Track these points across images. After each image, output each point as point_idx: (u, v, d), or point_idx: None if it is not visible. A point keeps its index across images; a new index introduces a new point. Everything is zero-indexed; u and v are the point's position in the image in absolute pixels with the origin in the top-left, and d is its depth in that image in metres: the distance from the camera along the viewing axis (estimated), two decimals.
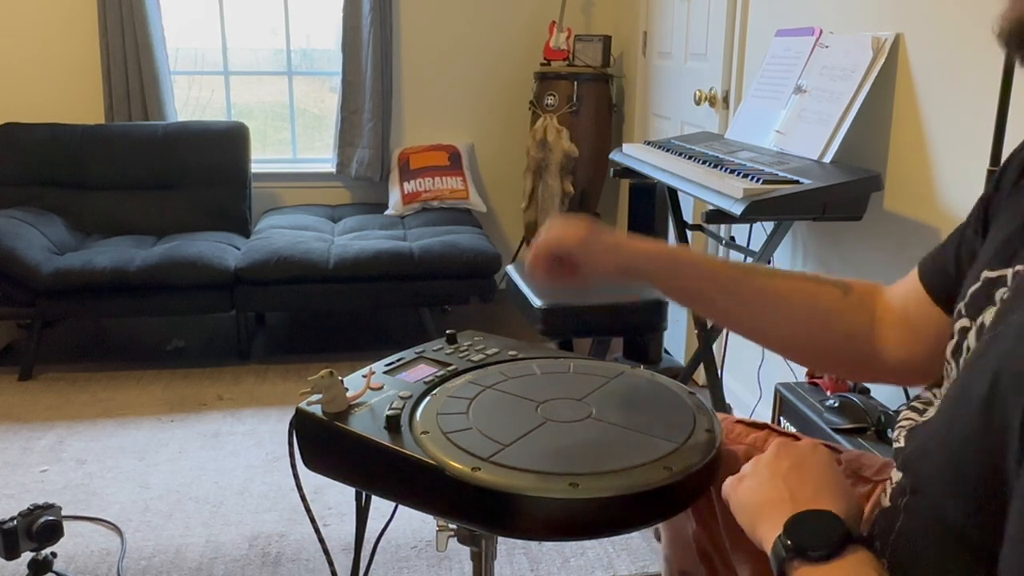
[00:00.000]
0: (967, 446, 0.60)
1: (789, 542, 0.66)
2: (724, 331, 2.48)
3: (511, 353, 1.16)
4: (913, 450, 0.72)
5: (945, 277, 0.85)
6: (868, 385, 1.91)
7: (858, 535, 0.67)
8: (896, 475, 0.75)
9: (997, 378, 0.57)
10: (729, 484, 0.81)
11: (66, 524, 1.85)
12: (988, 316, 0.68)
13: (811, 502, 0.70)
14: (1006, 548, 0.53)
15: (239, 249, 3.28)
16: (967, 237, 0.82)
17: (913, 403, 0.80)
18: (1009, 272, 0.68)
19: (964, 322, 0.71)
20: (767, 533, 0.70)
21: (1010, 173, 0.77)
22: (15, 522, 1.71)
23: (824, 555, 0.65)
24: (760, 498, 0.74)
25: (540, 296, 2.09)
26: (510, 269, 2.41)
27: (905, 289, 0.91)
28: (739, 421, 1.09)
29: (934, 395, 0.80)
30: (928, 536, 0.67)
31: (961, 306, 0.72)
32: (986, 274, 0.70)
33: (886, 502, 0.75)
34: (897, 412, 1.65)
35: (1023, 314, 0.59)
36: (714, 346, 2.42)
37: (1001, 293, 0.67)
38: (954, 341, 0.72)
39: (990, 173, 1.53)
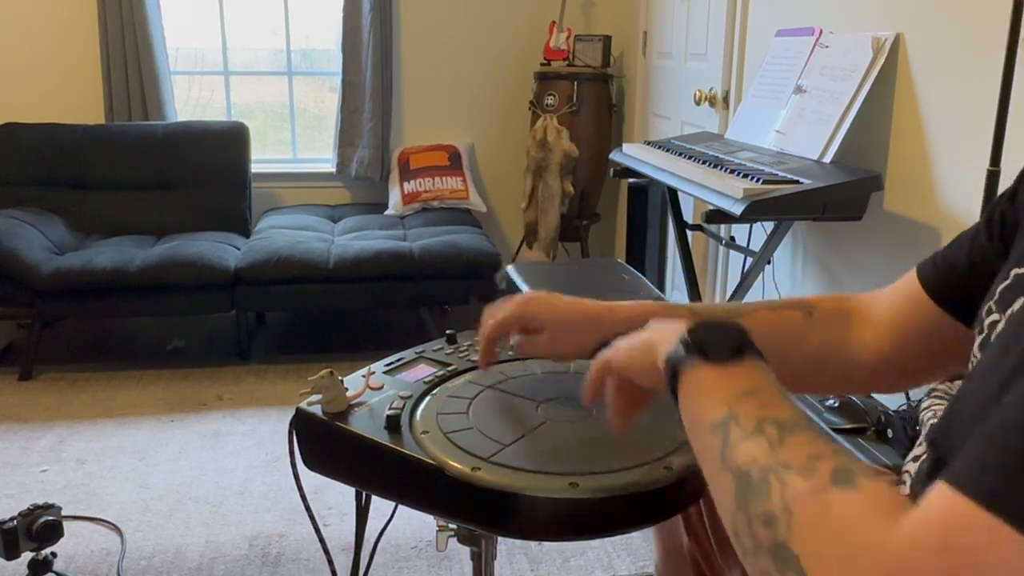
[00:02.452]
0: (994, 403, 0.60)
1: (691, 341, 0.66)
2: None
3: (511, 353, 1.16)
4: (940, 424, 0.72)
5: (950, 275, 0.85)
6: None
7: (756, 347, 0.67)
8: (912, 466, 0.75)
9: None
10: (604, 356, 0.81)
11: (66, 524, 1.85)
12: (1018, 305, 0.68)
13: (708, 319, 0.71)
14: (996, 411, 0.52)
15: (239, 249, 3.28)
16: (980, 240, 0.82)
17: (935, 393, 0.80)
18: None
19: (994, 316, 0.71)
20: (664, 350, 0.70)
21: None
22: (15, 522, 1.71)
23: (724, 354, 0.65)
24: (654, 333, 0.74)
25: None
26: (510, 269, 2.41)
27: (895, 292, 0.91)
28: None
29: (948, 388, 0.80)
30: None
31: (991, 304, 0.73)
32: (1015, 271, 0.71)
33: (905, 490, 0.75)
34: (897, 412, 1.65)
35: None
36: None
37: None
38: (983, 336, 0.73)
39: (990, 173, 1.53)
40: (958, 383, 0.80)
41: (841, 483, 0.51)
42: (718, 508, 0.60)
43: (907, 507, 0.48)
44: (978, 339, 0.74)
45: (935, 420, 0.76)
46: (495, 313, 0.99)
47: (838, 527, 0.49)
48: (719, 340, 0.66)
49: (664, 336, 0.72)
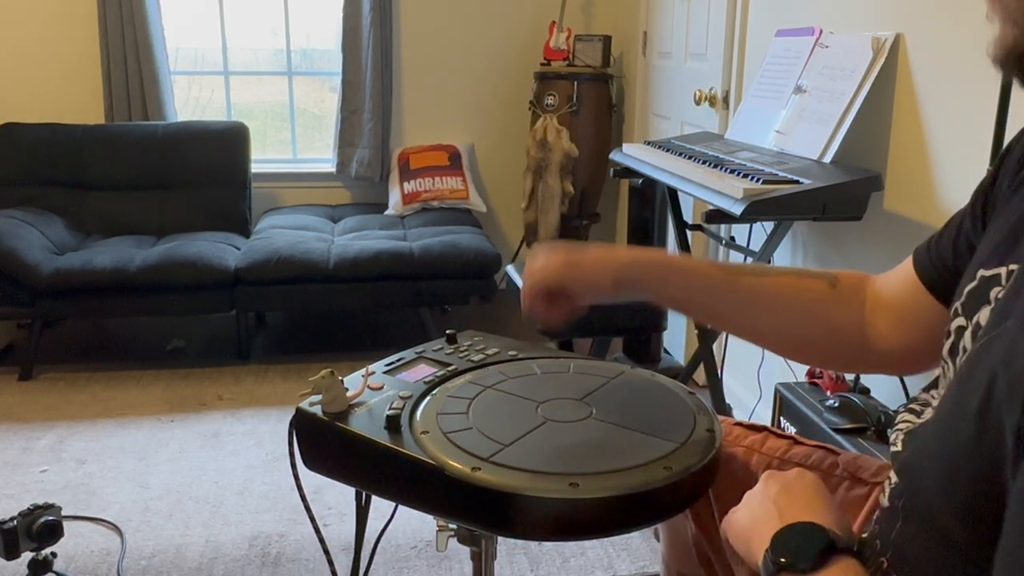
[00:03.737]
0: (961, 455, 0.60)
1: (775, 555, 0.66)
2: (724, 331, 2.48)
3: (511, 353, 1.16)
4: (909, 455, 0.72)
5: (941, 267, 0.85)
6: (868, 384, 1.91)
7: (844, 545, 0.66)
8: (893, 477, 0.75)
9: (991, 388, 0.57)
10: (727, 518, 0.81)
11: (66, 524, 1.85)
12: (983, 315, 0.68)
13: (799, 517, 0.70)
14: (1004, 544, 0.53)
15: (239, 249, 3.28)
16: (965, 228, 0.82)
17: (911, 405, 0.80)
18: (1004, 271, 0.68)
19: (960, 321, 0.71)
20: (759, 551, 0.70)
21: (1009, 164, 0.77)
22: (15, 522, 1.71)
23: (809, 566, 0.65)
24: (751, 522, 0.75)
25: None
26: (510, 269, 2.41)
27: (898, 278, 0.92)
28: (737, 423, 1.09)
29: (932, 396, 0.80)
30: (922, 540, 0.67)
31: (958, 305, 0.72)
32: (982, 272, 0.70)
33: (885, 502, 0.75)
34: (896, 412, 1.65)
35: (1017, 319, 0.59)
36: (714, 346, 2.42)
37: (996, 292, 0.67)
38: (951, 340, 0.72)
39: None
40: (934, 392, 0.80)
41: None
42: None
43: None
44: (946, 343, 0.73)
45: (902, 437, 0.75)
46: (533, 278, 1.02)
47: None
48: (802, 548, 0.66)
49: (758, 536, 0.71)
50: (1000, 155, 0.79)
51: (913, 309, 0.88)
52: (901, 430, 0.76)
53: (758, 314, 0.97)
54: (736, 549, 0.77)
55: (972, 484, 0.59)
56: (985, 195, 0.80)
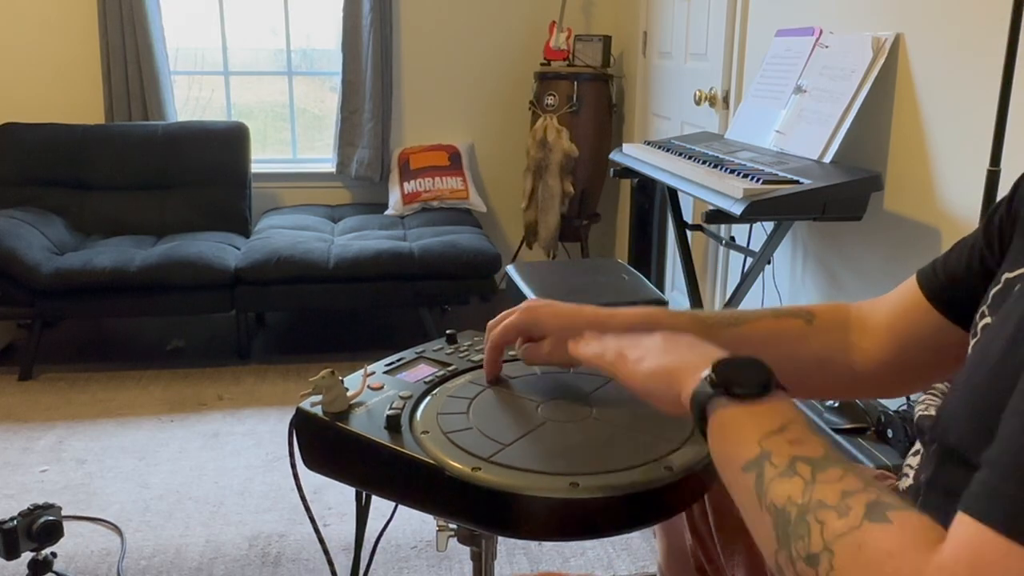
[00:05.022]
0: (988, 388, 0.62)
1: (717, 379, 0.68)
2: None
3: (511, 353, 1.16)
4: (938, 411, 0.73)
5: (947, 279, 0.85)
6: None
7: (780, 383, 0.68)
8: (913, 460, 0.76)
9: (1017, 331, 0.60)
10: (623, 368, 0.80)
11: (66, 524, 1.85)
12: (1010, 301, 0.69)
13: (716, 355, 0.72)
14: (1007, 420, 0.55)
15: (239, 249, 3.28)
16: (977, 249, 0.83)
17: (931, 391, 0.81)
18: None
19: (988, 320, 0.72)
20: (688, 385, 0.71)
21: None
22: (15, 522, 1.71)
23: (751, 392, 0.66)
24: (670, 361, 0.76)
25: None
26: (510, 269, 2.41)
27: (894, 297, 0.92)
28: None
29: (945, 387, 0.81)
30: (947, 509, 0.68)
31: (984, 308, 0.74)
32: (1006, 276, 0.72)
33: (908, 482, 0.76)
34: (897, 412, 1.65)
35: None
36: None
37: (1020, 288, 0.68)
38: (976, 339, 0.73)
39: (990, 173, 1.53)
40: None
41: (875, 518, 0.54)
42: (759, 545, 0.62)
43: (938, 536, 0.52)
44: (972, 342, 0.74)
45: (927, 412, 0.77)
46: (499, 321, 0.99)
47: (876, 563, 0.52)
48: (746, 378, 0.67)
49: (687, 369, 0.72)
50: (1015, 185, 0.79)
51: (910, 323, 0.88)
52: (923, 402, 0.78)
53: None
54: (644, 388, 0.77)
55: (995, 415, 0.59)
56: (1000, 216, 0.80)
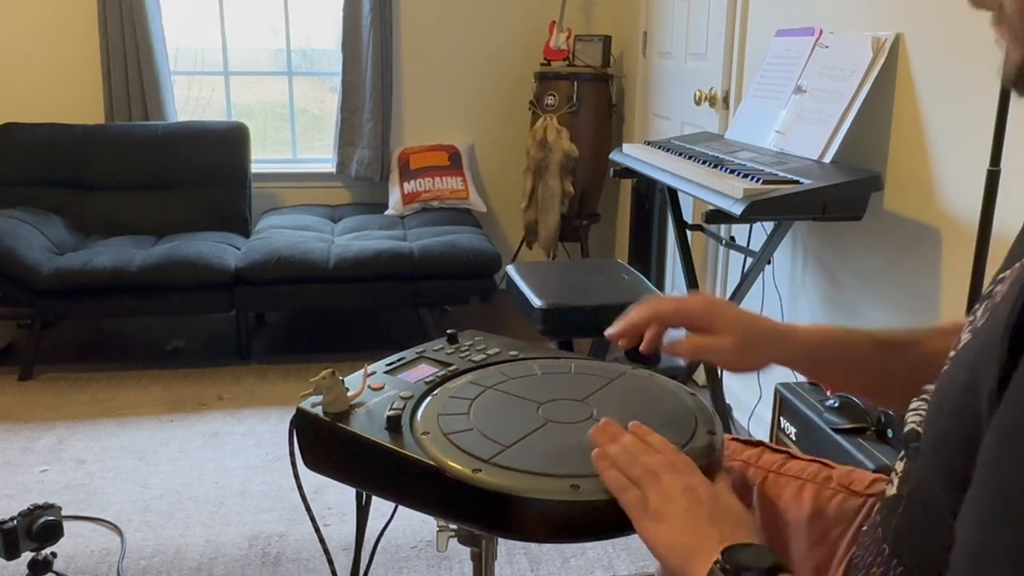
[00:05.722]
0: (948, 425, 0.63)
1: (728, 567, 0.70)
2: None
3: (512, 353, 1.16)
4: (910, 431, 0.74)
5: None
6: None
7: (785, 565, 0.71)
8: (899, 466, 0.76)
9: (976, 360, 0.60)
10: (647, 528, 0.80)
11: (66, 524, 1.85)
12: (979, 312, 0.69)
13: (735, 536, 0.74)
14: (963, 509, 0.55)
15: (239, 249, 3.28)
16: None
17: (924, 395, 0.81)
18: (1009, 273, 0.69)
19: (975, 321, 0.72)
20: (700, 571, 0.73)
21: None
22: (15, 522, 1.71)
23: (759, 573, 0.69)
24: (687, 540, 0.77)
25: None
26: (510, 269, 2.41)
27: None
28: (734, 438, 1.09)
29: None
30: (919, 515, 0.69)
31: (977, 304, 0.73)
32: (997, 278, 0.72)
33: (892, 491, 0.76)
34: (897, 412, 1.65)
35: (1006, 302, 0.60)
36: None
37: (988, 303, 0.69)
38: (957, 347, 0.73)
39: (990, 173, 1.53)
40: None
41: None
42: None
43: None
44: (956, 346, 0.74)
45: (912, 422, 0.77)
46: (662, 301, 0.96)
47: None
48: (754, 563, 0.70)
49: (700, 552, 0.73)
50: None
51: None
52: (917, 411, 0.78)
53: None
54: (664, 559, 0.78)
55: (956, 457, 0.60)
56: None
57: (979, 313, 0.69)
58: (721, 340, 0.94)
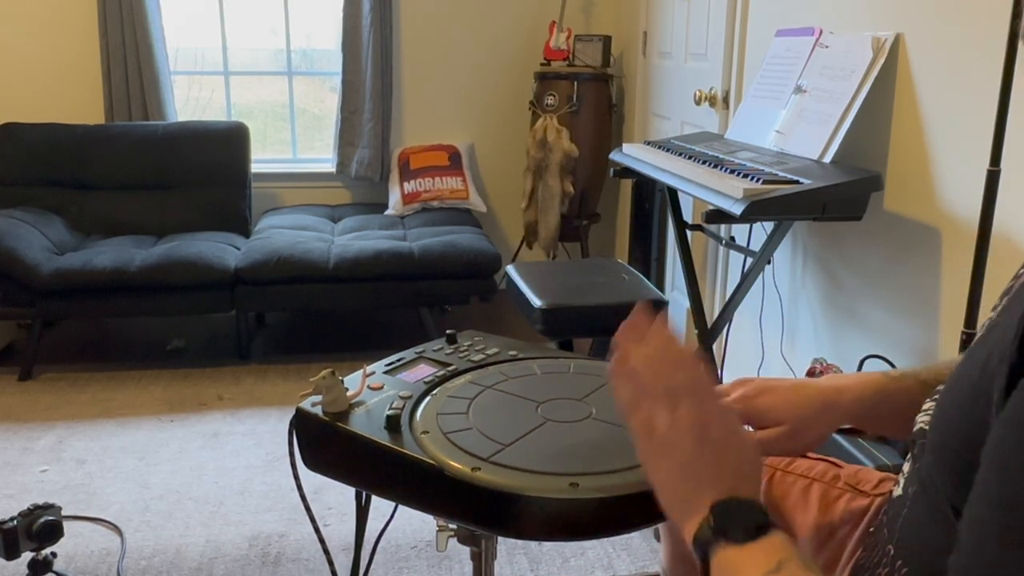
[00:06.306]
0: (956, 421, 0.63)
1: (715, 523, 0.70)
2: (724, 331, 2.48)
3: (511, 353, 1.16)
4: (926, 428, 0.74)
5: None
6: None
7: (774, 522, 0.70)
8: (906, 467, 0.76)
9: (987, 362, 0.60)
10: (645, 451, 0.77)
11: (66, 524, 1.85)
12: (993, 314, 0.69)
13: (732, 489, 0.72)
14: (966, 512, 0.55)
15: (239, 249, 3.28)
16: None
17: (935, 396, 0.81)
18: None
19: (992, 317, 0.72)
20: (690, 528, 0.73)
21: None
22: (15, 522, 1.71)
23: (746, 534, 0.68)
24: (685, 489, 0.75)
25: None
26: (510, 269, 2.41)
27: None
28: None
29: None
30: (924, 515, 0.69)
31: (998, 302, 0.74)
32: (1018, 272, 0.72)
33: (898, 491, 0.76)
34: None
35: (1020, 306, 0.60)
36: (713, 347, 2.42)
37: (1007, 302, 0.69)
38: (974, 338, 0.73)
39: (990, 173, 1.52)
40: None
41: None
42: None
43: None
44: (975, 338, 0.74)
45: (921, 422, 0.77)
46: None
47: None
48: (740, 521, 0.69)
49: (692, 508, 0.73)
50: None
51: None
52: (927, 412, 0.77)
53: None
54: (665, 508, 0.77)
55: (961, 452, 0.60)
56: None
57: (999, 309, 0.69)
58: (767, 434, 0.93)
